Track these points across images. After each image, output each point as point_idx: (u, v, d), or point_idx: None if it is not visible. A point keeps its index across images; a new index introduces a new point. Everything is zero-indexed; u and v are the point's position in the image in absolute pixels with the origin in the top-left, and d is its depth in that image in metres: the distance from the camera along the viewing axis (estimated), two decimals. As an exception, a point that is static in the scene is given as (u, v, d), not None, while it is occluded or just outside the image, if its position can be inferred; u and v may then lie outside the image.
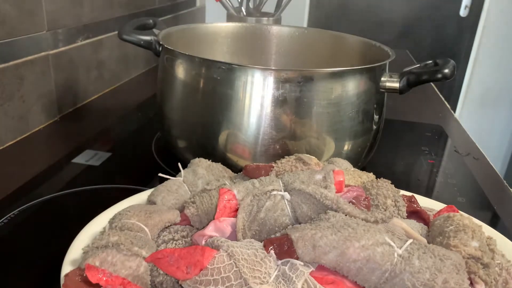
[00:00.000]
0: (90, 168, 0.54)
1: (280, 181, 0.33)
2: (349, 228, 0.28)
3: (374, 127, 0.55)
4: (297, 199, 0.31)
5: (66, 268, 0.30)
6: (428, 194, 0.56)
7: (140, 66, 1.00)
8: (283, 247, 0.28)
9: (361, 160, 0.56)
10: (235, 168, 0.50)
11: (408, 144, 0.72)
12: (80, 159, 0.56)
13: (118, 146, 0.62)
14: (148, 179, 0.53)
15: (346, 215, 0.31)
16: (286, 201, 0.31)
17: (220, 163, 0.43)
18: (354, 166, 0.55)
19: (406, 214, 0.38)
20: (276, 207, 0.31)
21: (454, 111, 0.95)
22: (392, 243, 0.28)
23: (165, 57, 0.53)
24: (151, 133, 0.66)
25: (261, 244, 0.29)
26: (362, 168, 0.58)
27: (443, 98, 0.99)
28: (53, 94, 0.68)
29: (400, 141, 0.73)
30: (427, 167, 0.64)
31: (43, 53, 0.65)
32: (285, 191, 0.32)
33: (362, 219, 0.31)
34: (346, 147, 0.52)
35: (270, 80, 0.46)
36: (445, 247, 0.31)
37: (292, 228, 0.29)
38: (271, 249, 0.28)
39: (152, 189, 0.39)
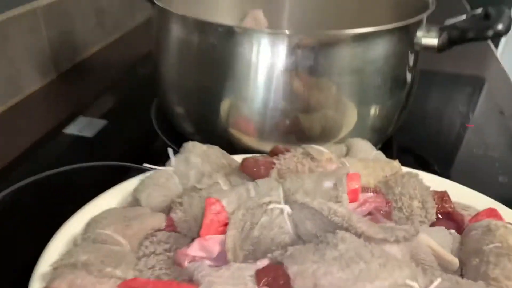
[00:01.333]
0: (83, 140, 0.49)
1: (281, 189, 0.27)
2: (360, 262, 0.22)
3: (405, 92, 0.46)
4: (299, 214, 0.26)
5: (35, 284, 0.27)
6: (462, 171, 0.49)
7: (147, 8, 0.91)
8: (278, 281, 0.23)
9: (388, 131, 0.49)
10: (238, 146, 0.44)
11: (442, 104, 0.63)
12: (72, 129, 0.51)
13: (115, 112, 0.56)
14: (146, 154, 0.48)
15: (360, 235, 0.25)
16: (286, 215, 0.26)
17: (218, 146, 0.37)
18: (380, 137, 0.48)
19: (436, 217, 0.32)
20: (273, 224, 0.26)
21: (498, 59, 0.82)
22: (414, 285, 0.22)
23: (158, 12, 0.46)
24: (152, 95, 0.59)
25: (253, 272, 0.24)
26: (389, 138, 0.51)
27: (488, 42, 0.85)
28: (46, 52, 0.62)
29: (433, 100, 0.64)
30: (463, 134, 0.56)
31: (29, 7, 0.57)
32: (285, 202, 0.26)
33: (380, 239, 0.25)
34: (369, 120, 0.45)
35: (280, 46, 0.38)
36: (482, 278, 0.25)
37: (290, 257, 0.23)
38: (264, 282, 0.23)
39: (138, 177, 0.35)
